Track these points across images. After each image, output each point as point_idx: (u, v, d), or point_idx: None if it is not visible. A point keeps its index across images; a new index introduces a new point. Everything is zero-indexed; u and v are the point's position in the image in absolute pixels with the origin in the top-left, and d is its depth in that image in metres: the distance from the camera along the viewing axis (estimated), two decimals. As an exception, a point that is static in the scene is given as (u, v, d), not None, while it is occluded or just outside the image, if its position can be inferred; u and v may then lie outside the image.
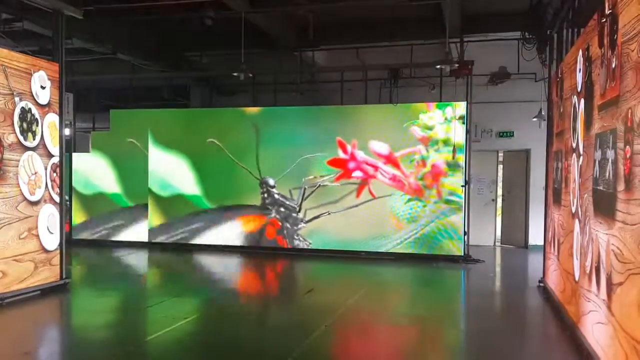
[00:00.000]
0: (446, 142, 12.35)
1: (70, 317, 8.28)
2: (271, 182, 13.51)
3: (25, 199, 8.22)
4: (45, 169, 8.65)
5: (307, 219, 13.26)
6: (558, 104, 8.63)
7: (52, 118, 8.81)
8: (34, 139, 8.40)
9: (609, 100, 4.92)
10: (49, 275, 8.75)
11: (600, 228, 5.16)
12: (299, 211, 13.30)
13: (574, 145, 6.86)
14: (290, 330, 7.12)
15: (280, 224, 13.47)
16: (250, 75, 12.14)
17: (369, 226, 12.84)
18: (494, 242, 15.13)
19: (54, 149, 8.85)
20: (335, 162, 13.06)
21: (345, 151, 12.99)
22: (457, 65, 11.65)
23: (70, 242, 12.45)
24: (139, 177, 14.36)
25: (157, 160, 14.26)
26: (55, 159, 8.87)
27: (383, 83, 13.92)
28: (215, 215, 13.89)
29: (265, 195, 13.54)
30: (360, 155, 12.86)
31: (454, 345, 6.86)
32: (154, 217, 14.28)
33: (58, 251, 8.94)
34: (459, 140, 12.25)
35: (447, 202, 12.37)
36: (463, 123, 12.27)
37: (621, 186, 4.45)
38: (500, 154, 15.51)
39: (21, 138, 8.13)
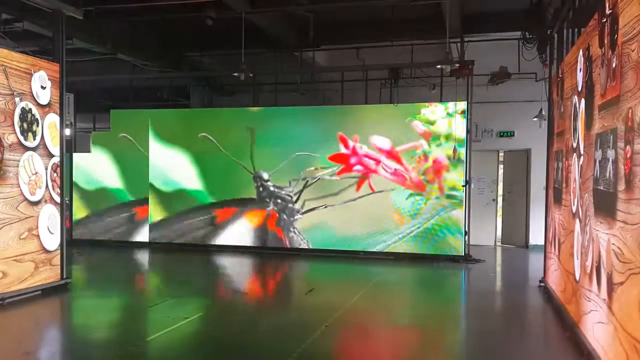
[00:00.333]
0: (448, 137, 12.35)
1: (70, 317, 8.27)
2: (265, 175, 13.53)
3: (25, 199, 8.22)
4: (46, 169, 8.65)
5: (303, 210, 13.27)
6: (559, 104, 8.63)
7: (53, 118, 8.81)
8: (34, 139, 8.40)
9: (610, 100, 4.92)
10: (49, 275, 8.75)
11: (601, 228, 5.16)
12: (296, 201, 13.31)
13: (575, 145, 6.86)
14: (291, 330, 7.12)
15: (277, 215, 13.49)
16: (251, 75, 12.14)
17: (369, 220, 12.85)
18: (495, 242, 15.12)
19: (55, 149, 8.85)
20: (337, 158, 13.06)
21: (346, 146, 13.00)
22: (457, 65, 11.63)
23: (70, 242, 12.42)
24: (139, 175, 14.40)
25: (156, 157, 14.28)
26: (56, 159, 8.87)
27: (383, 83, 13.90)
28: (215, 213, 13.90)
29: (261, 189, 13.57)
30: (363, 149, 12.87)
31: (454, 345, 6.85)
32: (155, 214, 14.29)
33: (58, 251, 8.94)
34: (459, 136, 12.25)
35: (449, 197, 12.37)
36: (464, 116, 12.27)
37: (622, 186, 4.45)
38: (501, 154, 15.50)
39: (21, 138, 8.13)
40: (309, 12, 11.77)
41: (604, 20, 5.22)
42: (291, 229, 13.37)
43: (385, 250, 12.71)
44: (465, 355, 6.53)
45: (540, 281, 9.74)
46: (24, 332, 6.93)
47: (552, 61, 9.91)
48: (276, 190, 13.48)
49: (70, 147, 14.00)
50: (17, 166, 8.07)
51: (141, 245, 14.27)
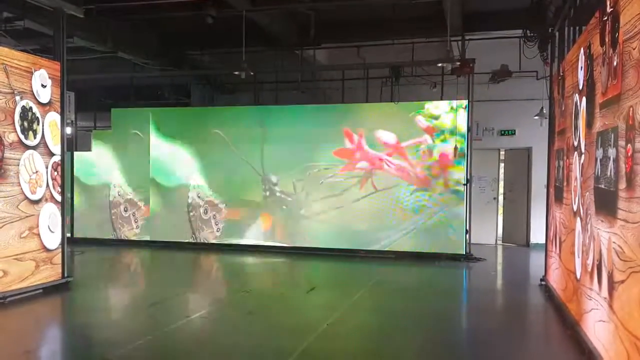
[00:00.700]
0: (452, 132, 12.36)
1: (71, 315, 8.27)
2: (274, 179, 13.51)
3: (26, 197, 8.21)
4: (46, 167, 8.65)
5: (307, 214, 13.28)
6: (560, 102, 8.62)
7: (53, 117, 8.80)
8: (34, 138, 8.39)
9: (611, 99, 4.91)
10: (50, 274, 8.75)
11: (602, 226, 5.16)
12: (301, 207, 13.33)
13: (576, 143, 6.85)
14: (292, 328, 7.12)
15: (281, 220, 13.49)
16: (252, 73, 12.13)
17: (372, 218, 12.84)
18: (496, 240, 15.12)
19: (55, 148, 8.85)
20: (342, 153, 13.05)
21: (352, 141, 12.98)
22: (458, 63, 11.64)
23: (71, 241, 12.42)
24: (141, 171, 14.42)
25: (158, 155, 14.29)
26: (56, 158, 8.87)
27: (384, 81, 13.90)
28: (216, 212, 13.90)
29: (267, 193, 13.55)
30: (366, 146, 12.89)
31: (456, 343, 6.84)
32: (155, 210, 14.31)
33: (59, 250, 8.94)
34: (460, 126, 12.26)
35: (451, 193, 12.36)
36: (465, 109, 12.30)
37: (622, 184, 4.45)
38: (502, 152, 15.48)
39: (22, 137, 8.13)
40: (309, 10, 11.76)
41: (605, 18, 5.21)
42: (295, 233, 13.38)
43: (386, 249, 12.70)
44: (467, 354, 6.52)
45: (541, 280, 9.73)
46: (25, 331, 6.94)
47: (553, 59, 9.89)
48: (282, 195, 13.47)
49: (71, 145, 13.98)
50: (18, 165, 8.06)
51: (144, 243, 14.26)
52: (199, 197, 13.98)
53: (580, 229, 6.36)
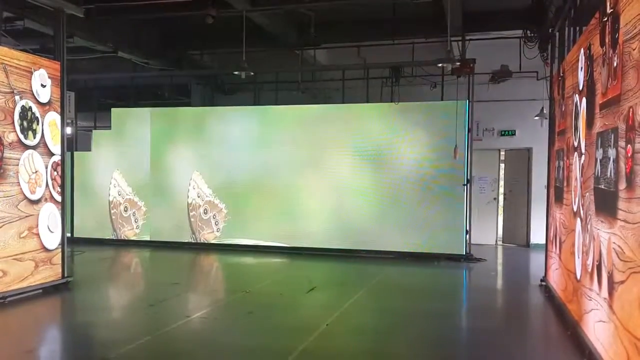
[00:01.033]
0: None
1: (71, 315, 8.27)
2: (276, 178, 13.53)
3: (25, 197, 8.21)
4: (46, 167, 8.64)
5: (307, 213, 13.29)
6: (560, 103, 8.61)
7: (53, 116, 8.80)
8: (34, 138, 8.39)
9: (611, 99, 4.90)
10: (50, 274, 8.74)
11: (602, 226, 5.15)
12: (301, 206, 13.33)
13: (576, 143, 6.85)
14: (291, 328, 7.11)
15: (281, 220, 13.51)
16: (252, 73, 12.13)
17: (373, 216, 12.85)
18: (496, 240, 15.11)
19: (55, 148, 8.84)
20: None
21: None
22: (458, 63, 11.63)
23: (71, 241, 12.41)
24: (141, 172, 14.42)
25: (158, 155, 14.29)
26: (56, 158, 8.86)
27: (384, 81, 13.89)
28: (216, 212, 13.90)
29: (267, 193, 13.55)
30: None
31: (456, 344, 6.84)
32: (156, 214, 14.31)
33: (59, 250, 8.94)
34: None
35: (453, 192, 12.36)
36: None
37: (622, 185, 4.44)
38: (502, 153, 15.47)
39: (21, 136, 8.12)
40: (309, 11, 11.76)
41: (605, 19, 5.20)
42: (292, 228, 13.38)
43: (385, 249, 12.68)
44: (467, 354, 6.52)
45: (542, 280, 9.72)
46: (25, 331, 6.93)
47: (553, 60, 9.89)
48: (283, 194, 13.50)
49: (71, 145, 13.98)
50: (18, 165, 8.06)
51: (144, 243, 14.26)
52: (198, 197, 13.97)
53: (580, 229, 6.35)
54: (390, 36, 12.93)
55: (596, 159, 5.49)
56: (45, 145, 8.63)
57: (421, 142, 12.52)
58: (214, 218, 13.90)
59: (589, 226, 5.82)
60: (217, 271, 12.22)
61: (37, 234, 8.46)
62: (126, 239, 14.51)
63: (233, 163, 13.74)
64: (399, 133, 12.66)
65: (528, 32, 11.79)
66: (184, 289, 9.76)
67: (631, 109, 4.25)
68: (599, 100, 5.44)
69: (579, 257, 6.44)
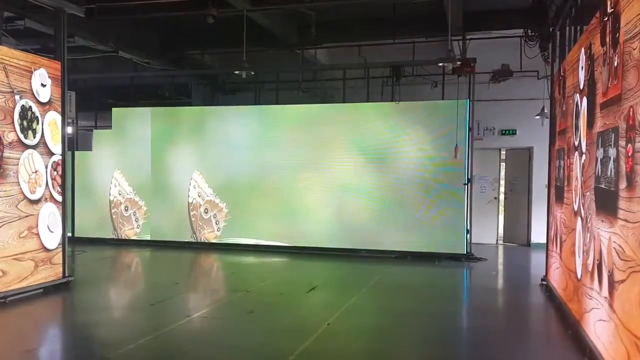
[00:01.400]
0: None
1: (71, 315, 8.27)
2: (277, 178, 13.52)
3: (25, 197, 8.20)
4: (46, 167, 8.63)
5: (307, 212, 13.28)
6: (560, 102, 8.61)
7: (53, 116, 8.79)
8: (34, 137, 8.38)
9: (611, 99, 4.90)
10: (50, 273, 8.74)
11: (602, 226, 5.15)
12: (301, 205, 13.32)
13: (577, 143, 6.84)
14: (292, 328, 7.11)
15: (282, 219, 13.50)
16: (252, 73, 12.13)
17: (375, 217, 12.84)
18: (497, 240, 15.11)
19: (55, 147, 8.83)
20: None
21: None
22: (459, 63, 11.65)
23: (72, 240, 12.41)
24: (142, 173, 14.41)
25: (159, 155, 14.29)
26: (56, 157, 8.85)
27: (385, 81, 13.90)
28: (216, 212, 13.90)
29: (268, 191, 13.55)
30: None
31: (457, 343, 6.84)
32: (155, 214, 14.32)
33: (59, 250, 8.93)
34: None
35: (454, 192, 12.35)
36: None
37: (623, 184, 4.44)
38: (503, 152, 15.47)
39: (21, 136, 8.12)
40: (310, 10, 11.76)
41: (606, 18, 5.20)
42: (292, 227, 13.38)
43: (386, 249, 12.68)
44: (468, 354, 6.52)
45: (542, 279, 9.72)
46: (25, 330, 6.93)
47: (554, 59, 9.88)
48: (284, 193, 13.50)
49: (72, 145, 13.99)
50: (17, 164, 8.05)
51: (146, 243, 14.27)
52: (199, 196, 13.97)
53: (581, 228, 6.35)
54: (391, 35, 12.93)
55: (597, 159, 5.48)
56: (45, 145, 8.63)
57: (422, 142, 12.50)
58: (214, 217, 13.91)
59: (589, 225, 5.82)
60: (217, 270, 12.22)
61: (37, 234, 8.46)
62: (127, 238, 14.52)
63: (233, 162, 13.74)
64: (400, 132, 12.66)
65: (529, 31, 11.77)
66: (184, 289, 9.78)
67: (632, 109, 4.24)
68: (599, 99, 5.43)
69: (579, 257, 6.43)
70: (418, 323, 7.53)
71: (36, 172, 8.41)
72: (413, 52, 13.49)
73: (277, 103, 14.49)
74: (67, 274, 9.10)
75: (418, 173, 12.52)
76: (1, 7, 9.79)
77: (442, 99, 12.79)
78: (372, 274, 11.03)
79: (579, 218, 6.50)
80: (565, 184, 7.76)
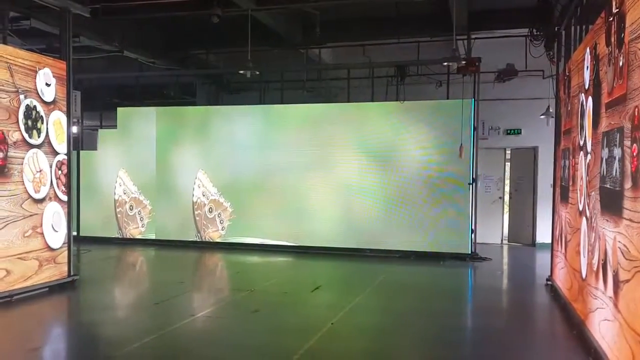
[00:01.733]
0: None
1: (77, 314, 8.29)
2: (281, 178, 13.52)
3: (30, 196, 8.22)
4: (50, 166, 8.65)
5: (312, 212, 13.28)
6: (566, 102, 8.58)
7: (57, 115, 8.81)
8: (38, 137, 8.40)
9: (616, 99, 4.89)
10: (54, 272, 8.76)
11: (607, 225, 5.14)
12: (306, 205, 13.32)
13: (582, 143, 6.82)
14: (297, 327, 7.11)
15: (286, 219, 13.50)
16: (257, 73, 12.13)
17: (379, 217, 12.83)
18: (502, 240, 15.08)
19: (60, 147, 8.85)
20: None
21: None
22: (464, 62, 11.62)
23: (77, 239, 12.44)
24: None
25: (164, 154, 14.31)
26: (61, 157, 8.87)
27: (390, 80, 13.87)
28: (221, 211, 13.91)
29: (268, 191, 13.55)
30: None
31: (461, 343, 6.83)
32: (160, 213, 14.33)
33: (64, 249, 8.95)
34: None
35: (459, 192, 12.33)
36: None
37: (628, 184, 4.43)
38: (508, 152, 15.44)
39: (26, 135, 8.14)
40: (314, 10, 11.75)
41: (611, 18, 5.18)
42: (297, 227, 13.38)
43: (391, 248, 12.66)
44: (472, 353, 6.51)
45: (547, 279, 9.70)
46: (31, 329, 6.95)
47: (559, 58, 9.86)
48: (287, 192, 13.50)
49: (77, 144, 14.02)
50: (22, 164, 8.07)
51: (151, 242, 14.29)
52: (204, 195, 13.99)
53: (586, 228, 6.34)
54: (395, 35, 12.92)
55: (602, 158, 5.47)
56: (50, 144, 8.65)
57: (426, 141, 12.48)
58: (219, 217, 13.92)
59: (594, 225, 5.80)
60: (222, 270, 12.23)
61: (42, 233, 8.48)
62: (132, 237, 14.54)
63: (238, 162, 13.75)
64: (404, 132, 12.64)
65: (534, 30, 11.72)
66: (189, 288, 9.78)
67: (637, 108, 4.23)
68: (604, 99, 5.42)
69: (584, 256, 6.42)
70: (422, 323, 7.52)
71: (40, 171, 8.43)
72: (418, 51, 13.47)
73: (281, 103, 14.48)
74: (72, 273, 9.14)
75: (423, 172, 12.50)
76: (7, 7, 9.82)
77: (447, 99, 12.79)
78: (377, 273, 11.03)
79: (584, 218, 6.48)
80: (570, 183, 7.74)
